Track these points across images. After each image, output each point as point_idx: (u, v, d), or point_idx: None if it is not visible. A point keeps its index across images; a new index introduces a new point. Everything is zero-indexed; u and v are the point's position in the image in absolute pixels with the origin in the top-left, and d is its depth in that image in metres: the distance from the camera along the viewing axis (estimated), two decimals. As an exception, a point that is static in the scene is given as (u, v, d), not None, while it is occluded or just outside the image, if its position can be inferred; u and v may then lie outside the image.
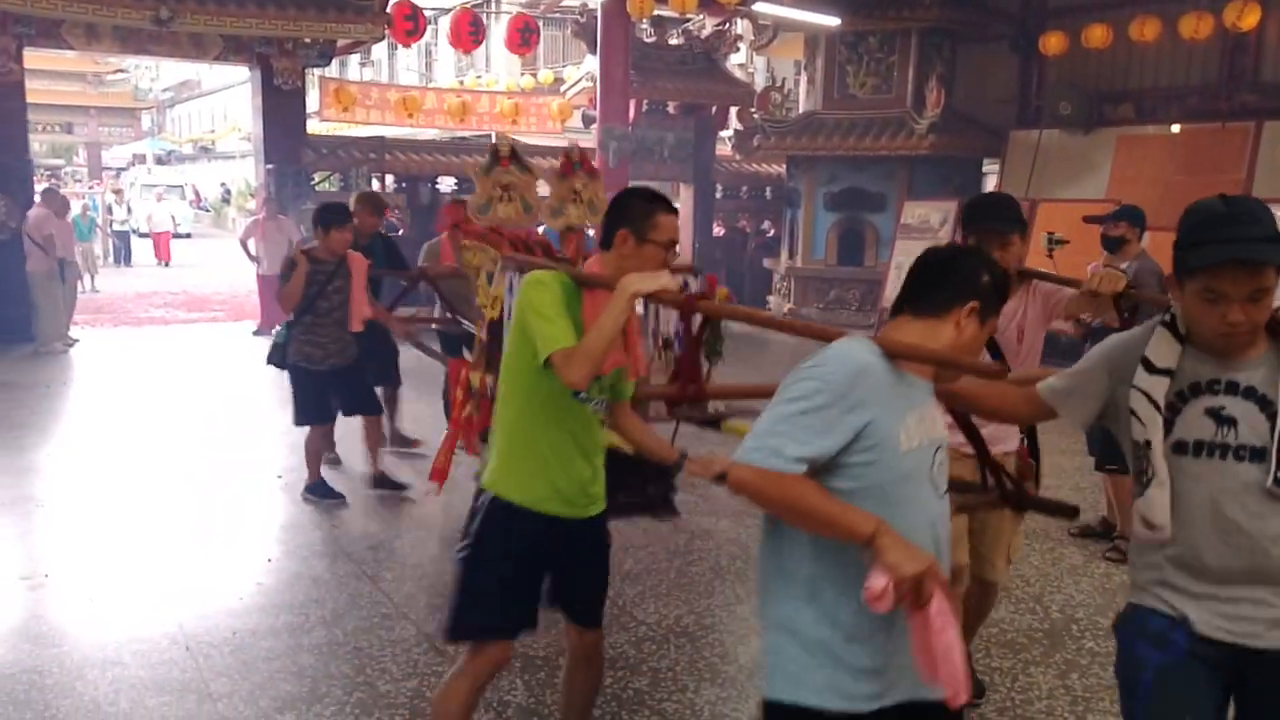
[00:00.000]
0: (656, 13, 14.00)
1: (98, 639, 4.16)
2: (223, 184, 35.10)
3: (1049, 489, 6.48)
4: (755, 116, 15.10)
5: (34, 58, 12.07)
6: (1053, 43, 12.93)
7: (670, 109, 16.23)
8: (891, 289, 13.04)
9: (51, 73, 31.30)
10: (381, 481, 6.18)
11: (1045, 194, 12.57)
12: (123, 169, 38.43)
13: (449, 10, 15.04)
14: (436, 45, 28.84)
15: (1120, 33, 12.18)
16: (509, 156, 5.11)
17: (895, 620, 1.96)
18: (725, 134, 17.77)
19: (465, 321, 5.65)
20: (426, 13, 14.39)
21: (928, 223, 12.97)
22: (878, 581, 1.87)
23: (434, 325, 6.55)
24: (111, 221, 23.38)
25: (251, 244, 12.21)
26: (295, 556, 5.16)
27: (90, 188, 29.08)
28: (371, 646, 4.14)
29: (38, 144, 37.12)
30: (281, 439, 7.53)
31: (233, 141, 35.85)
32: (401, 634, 4.27)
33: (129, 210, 24.30)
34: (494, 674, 2.95)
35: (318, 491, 6.00)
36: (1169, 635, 2.20)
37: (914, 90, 13.68)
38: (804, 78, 15.46)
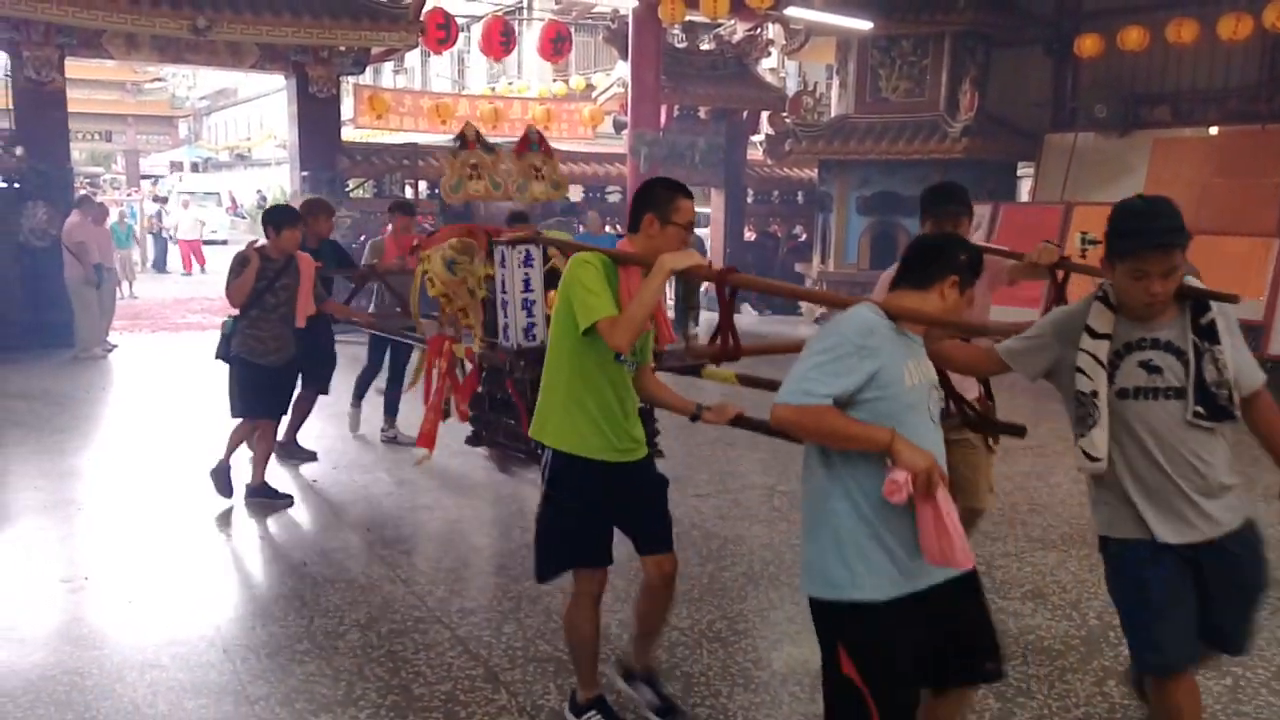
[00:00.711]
0: (688, 18, 14.04)
1: (137, 641, 4.21)
2: (258, 191, 35.42)
3: (1085, 493, 6.48)
4: (787, 121, 15.07)
5: (74, 67, 12.28)
6: (1088, 45, 12.81)
7: (701, 114, 16.23)
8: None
9: (91, 82, 31.66)
10: (289, 448, 6.82)
11: (1080, 197, 12.47)
12: (160, 176, 38.89)
13: (481, 18, 15.14)
14: (469, 52, 29.02)
15: (1157, 34, 12.05)
16: (475, 140, 5.90)
17: (908, 514, 2.49)
18: (756, 139, 17.74)
19: (409, 314, 6.04)
20: (459, 20, 14.52)
21: (961, 227, 12.85)
22: (898, 475, 2.41)
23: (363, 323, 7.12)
24: (161, 229, 23.65)
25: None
26: (329, 561, 5.19)
27: (128, 195, 29.44)
28: (405, 650, 4.16)
29: (77, 152, 37.52)
30: (315, 444, 7.61)
31: (269, 149, 36.20)
32: (435, 638, 4.28)
33: (163, 217, 24.55)
34: (600, 592, 3.42)
35: (260, 491, 6.10)
36: (1158, 555, 2.84)
37: (947, 94, 13.60)
38: (836, 82, 15.40)
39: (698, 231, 15.27)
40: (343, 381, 7.59)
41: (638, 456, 3.36)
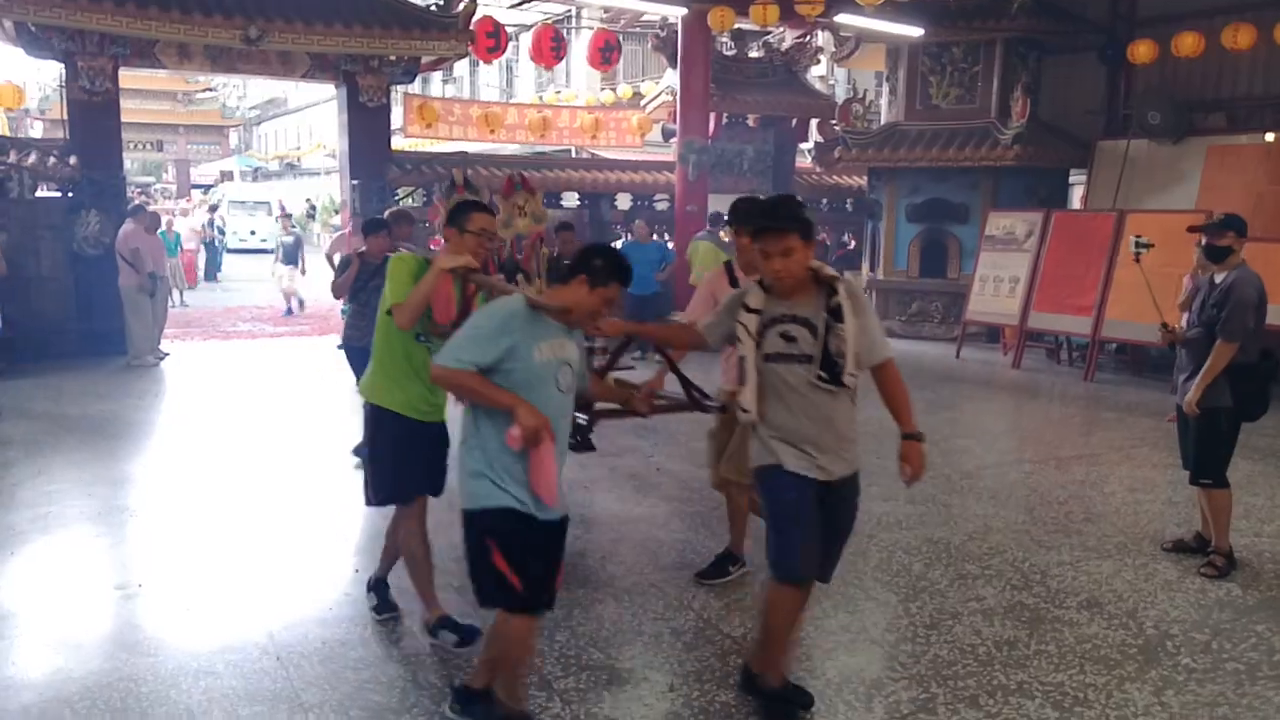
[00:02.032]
0: (737, 26, 14.00)
1: (191, 648, 4.23)
2: (308, 200, 35.89)
3: (1140, 502, 6.43)
4: (836, 128, 15.00)
5: (127, 77, 12.45)
6: (1142, 51, 12.63)
7: (750, 122, 16.17)
8: (976, 301, 12.82)
9: (143, 92, 32.35)
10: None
11: (1133, 204, 12.32)
12: (210, 185, 39.54)
13: (530, 27, 15.20)
14: (517, 61, 29.21)
15: (1212, 40, 11.86)
16: (462, 184, 6.55)
17: (524, 459, 3.23)
18: (805, 146, 17.65)
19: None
20: (508, 29, 14.58)
21: (1013, 234, 12.71)
22: (514, 430, 3.17)
23: None
24: (210, 237, 23.99)
25: (337, 258, 12.42)
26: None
27: (182, 204, 29.95)
28: (458, 657, 4.15)
29: (129, 161, 38.29)
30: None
31: (318, 158, 36.67)
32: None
33: (218, 226, 24.88)
34: (420, 515, 4.33)
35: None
36: (796, 481, 3.50)
37: (999, 100, 13.49)
38: (885, 89, 15.32)
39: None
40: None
41: (434, 419, 4.20)
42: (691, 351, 4.28)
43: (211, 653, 4.17)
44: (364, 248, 7.21)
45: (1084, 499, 6.59)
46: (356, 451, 6.97)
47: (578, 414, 4.57)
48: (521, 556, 3.29)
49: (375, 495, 4.33)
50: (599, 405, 4.60)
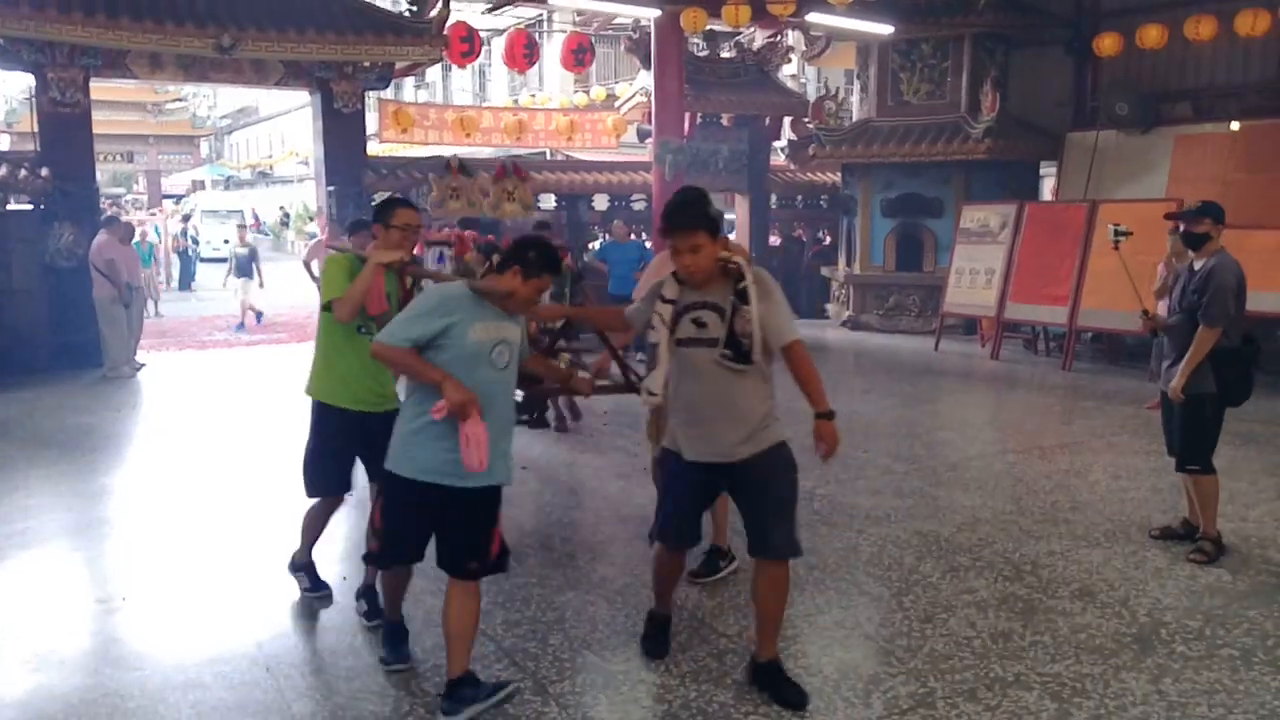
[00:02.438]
0: (709, 27, 14.01)
1: (178, 661, 4.16)
2: (281, 208, 35.65)
3: (1125, 490, 6.51)
4: (809, 126, 15.06)
5: (96, 89, 12.31)
6: (1107, 44, 12.75)
7: (724, 121, 16.20)
8: (953, 294, 12.90)
9: (113, 103, 32.05)
10: None
11: (1104, 194, 12.46)
12: (181, 196, 39.20)
13: (502, 31, 15.16)
14: (490, 65, 29.11)
15: (1176, 32, 12.00)
16: (457, 168, 7.72)
17: (451, 431, 3.49)
18: (779, 144, 17.69)
19: None
20: (481, 34, 14.52)
21: (987, 226, 12.80)
22: (440, 404, 3.45)
23: None
24: (186, 247, 23.78)
25: (314, 265, 12.35)
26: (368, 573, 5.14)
27: (152, 214, 29.68)
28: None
29: (100, 173, 38.00)
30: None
31: (290, 166, 36.42)
32: (480, 650, 4.21)
33: (194, 236, 24.69)
34: (331, 511, 4.71)
35: None
36: (690, 468, 3.82)
37: (968, 95, 13.58)
38: (857, 86, 15.39)
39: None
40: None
41: (381, 409, 4.33)
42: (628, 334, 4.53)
43: (199, 665, 4.10)
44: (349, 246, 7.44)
45: (1069, 488, 6.63)
46: None
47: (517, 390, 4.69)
48: (397, 520, 3.71)
49: (313, 488, 4.59)
50: (545, 383, 4.87)
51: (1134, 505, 6.25)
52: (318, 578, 4.82)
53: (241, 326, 15.59)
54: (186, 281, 23.24)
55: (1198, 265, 5.21)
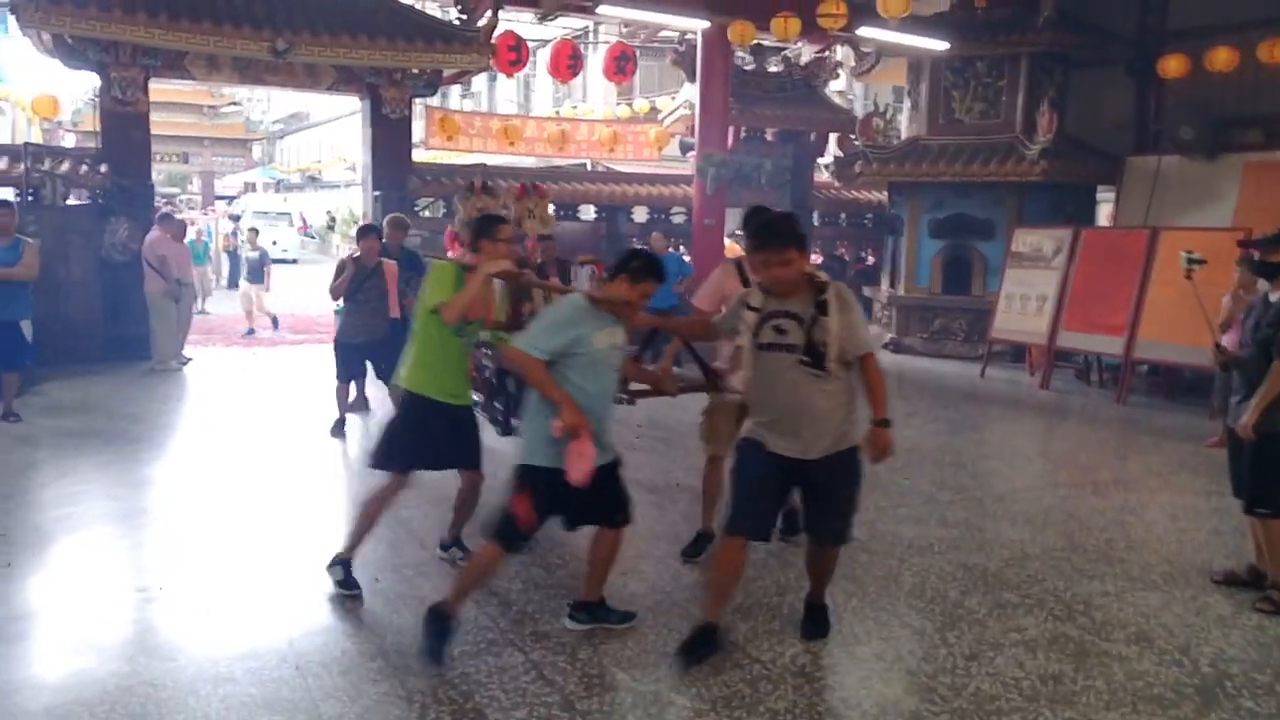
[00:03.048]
0: (756, 41, 13.94)
1: (210, 654, 4.15)
2: (328, 211, 36.01)
3: (1184, 531, 6.27)
4: (856, 143, 14.88)
5: (155, 90, 12.54)
6: (1172, 65, 12.44)
7: (768, 136, 16.10)
8: (1001, 319, 12.64)
9: (171, 105, 32.64)
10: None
11: (1165, 221, 12.04)
12: (234, 197, 39.75)
13: (548, 42, 15.20)
14: (535, 76, 29.27)
15: (1247, 54, 11.65)
16: (481, 188, 7.84)
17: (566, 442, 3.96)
18: (824, 161, 17.56)
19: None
20: (528, 44, 14.56)
21: (1040, 251, 12.50)
22: (555, 423, 3.94)
23: None
24: (235, 246, 24.01)
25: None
26: (401, 577, 5.10)
27: (206, 213, 30.12)
28: (479, 673, 4.05)
29: (156, 173, 38.63)
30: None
31: (338, 171, 36.82)
32: (509, 661, 4.16)
33: (237, 236, 24.91)
34: (401, 490, 4.91)
35: (337, 429, 8.17)
36: (765, 456, 4.14)
37: (1024, 115, 13.33)
38: (907, 104, 15.17)
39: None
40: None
41: (463, 403, 4.89)
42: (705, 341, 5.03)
43: (231, 659, 4.10)
44: (358, 252, 8.00)
45: (1124, 526, 6.36)
46: (334, 433, 8.14)
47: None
48: (546, 505, 4.12)
49: (384, 460, 4.85)
50: (634, 386, 5.21)
51: (1194, 548, 5.95)
52: (351, 576, 4.87)
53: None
54: (235, 279, 23.39)
55: (1273, 297, 4.96)
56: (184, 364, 11.56)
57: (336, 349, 8.26)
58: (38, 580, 4.97)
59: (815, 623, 4.51)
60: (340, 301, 8.17)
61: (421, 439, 4.79)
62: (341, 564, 4.88)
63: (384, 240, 8.54)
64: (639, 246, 14.10)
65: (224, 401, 9.85)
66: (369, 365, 8.34)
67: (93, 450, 7.59)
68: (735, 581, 4.35)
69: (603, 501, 4.25)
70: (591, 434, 3.99)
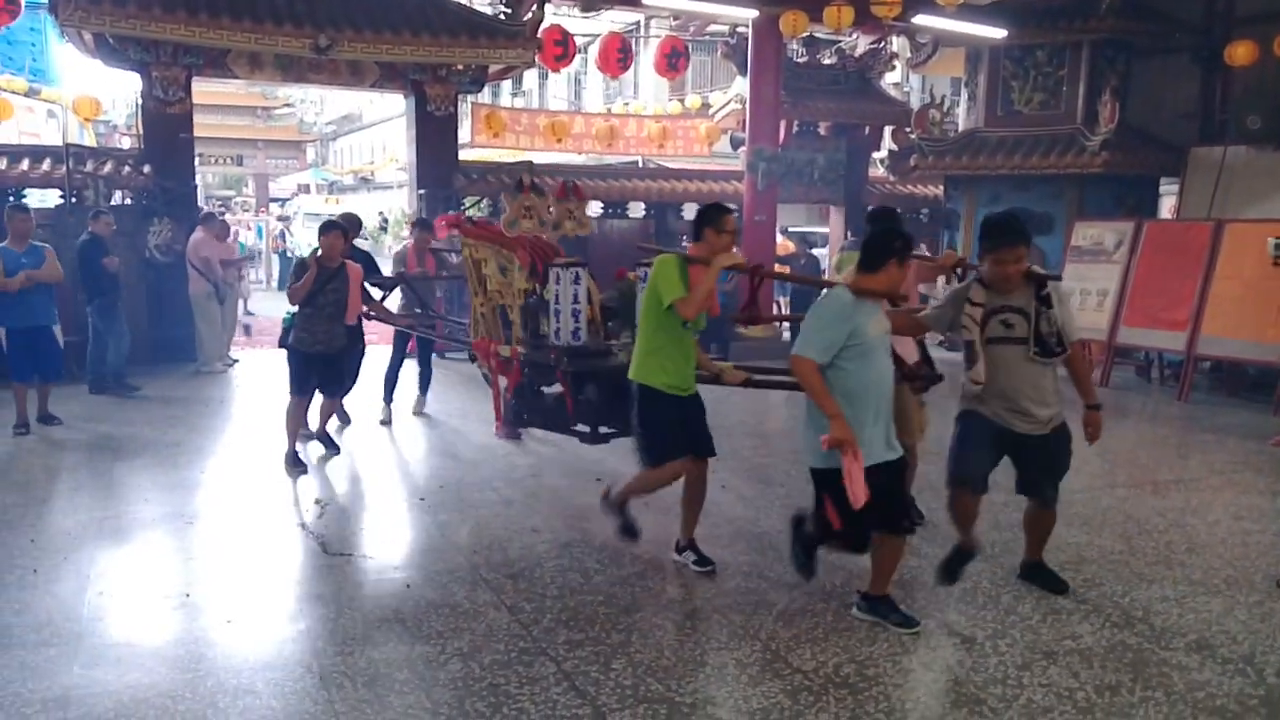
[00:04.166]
0: (809, 33, 13.64)
1: (231, 664, 4.05)
2: (380, 213, 36.25)
3: (1248, 533, 6.02)
4: (911, 136, 14.53)
5: (208, 93, 12.64)
6: (1240, 53, 11.93)
7: (821, 130, 15.78)
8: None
9: (224, 107, 32.97)
10: (321, 437, 7.67)
11: (1230, 213, 11.63)
12: (288, 199, 40.16)
13: (598, 36, 15.04)
14: (585, 73, 29.18)
15: (1318, 40, 11.15)
16: (529, 186, 7.37)
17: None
18: (878, 155, 17.20)
19: (432, 311, 8.12)
20: (577, 40, 14.41)
21: (1101, 244, 12.12)
22: (826, 436, 4.04)
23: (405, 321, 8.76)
24: (285, 248, 24.25)
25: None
26: (434, 583, 4.98)
27: (256, 215, 30.44)
28: (509, 684, 3.90)
29: (210, 175, 39.13)
30: (424, 462, 7.48)
31: (390, 172, 37.01)
32: (540, 671, 4.02)
33: (286, 237, 25.17)
34: (684, 471, 5.02)
35: (290, 460, 7.17)
36: (989, 424, 4.62)
37: (1085, 105, 12.90)
38: (964, 95, 14.79)
39: (815, 251, 14.85)
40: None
41: (691, 392, 5.01)
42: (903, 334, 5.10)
43: (253, 670, 3.99)
44: (320, 251, 7.14)
45: (1185, 528, 6.10)
46: (317, 436, 7.66)
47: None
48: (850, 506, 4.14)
49: (651, 457, 4.97)
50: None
51: (1259, 550, 5.70)
52: (703, 554, 5.18)
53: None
54: (284, 281, 23.61)
55: None
56: (230, 365, 11.59)
57: (291, 359, 7.26)
58: (61, 587, 4.88)
59: (1044, 577, 4.96)
60: (295, 307, 7.20)
61: (674, 423, 4.93)
62: (689, 547, 5.18)
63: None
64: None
65: (268, 404, 9.74)
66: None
67: (130, 454, 7.56)
68: (973, 520, 4.78)
69: (884, 503, 4.22)
70: (873, 426, 4.19)
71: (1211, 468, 7.76)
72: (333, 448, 7.65)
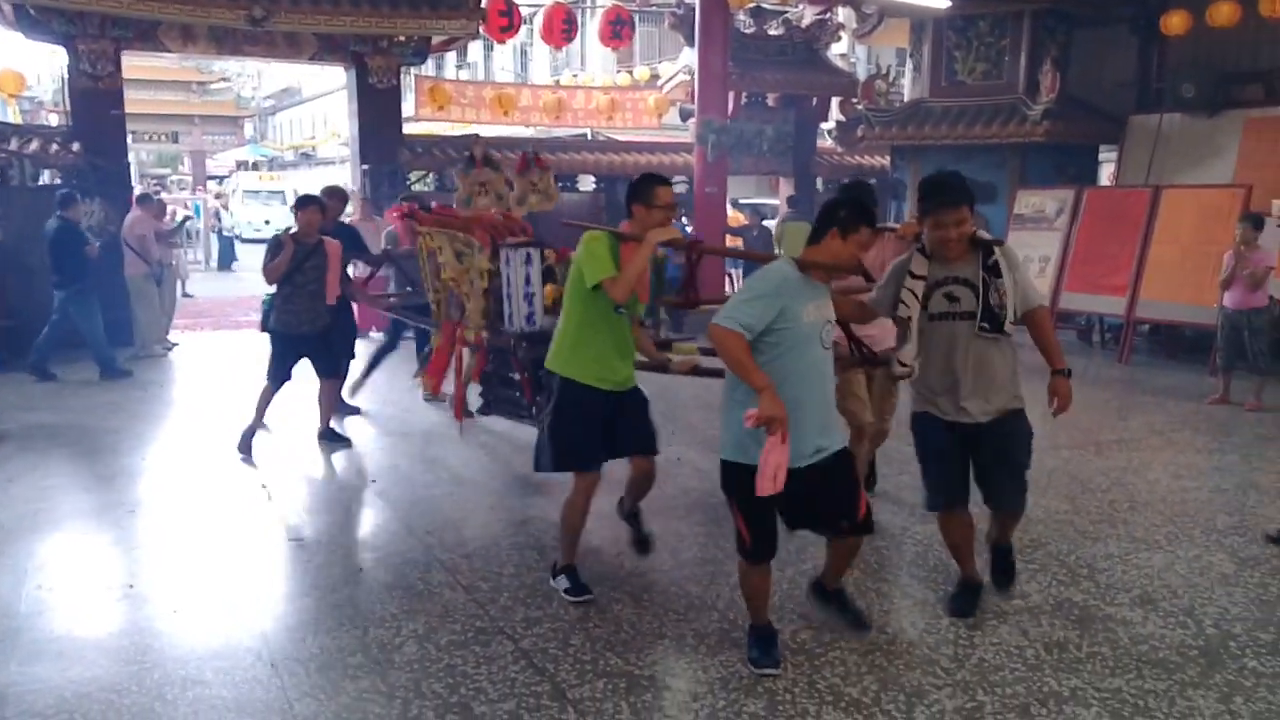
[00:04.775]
0: (756, 3, 13.59)
1: (179, 655, 3.96)
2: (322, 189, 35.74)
3: (1187, 490, 6.19)
4: (858, 107, 14.59)
5: (141, 68, 12.28)
6: (1175, 22, 12.13)
7: (770, 101, 15.79)
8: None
9: (157, 82, 32.24)
10: (327, 435, 7.26)
11: (1166, 180, 11.89)
12: (226, 176, 39.41)
13: (542, 6, 14.85)
14: (532, 45, 28.90)
15: (1249, 9, 11.34)
16: (482, 160, 6.99)
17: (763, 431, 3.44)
18: (826, 126, 17.26)
19: (424, 290, 6.97)
20: (522, 11, 14.23)
21: (1043, 212, 12.30)
22: (753, 411, 3.41)
23: (391, 300, 8.37)
24: (219, 227, 23.75)
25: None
26: (386, 565, 4.92)
27: (194, 193, 29.82)
28: (466, 664, 3.88)
29: (145, 153, 38.25)
30: (374, 444, 7.39)
31: (333, 147, 36.45)
32: (498, 650, 3.99)
33: (222, 216, 24.65)
34: (592, 490, 4.41)
35: (245, 443, 6.98)
36: (941, 427, 4.10)
37: (1026, 75, 13.05)
38: (909, 66, 14.87)
39: (768, 223, 14.87)
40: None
41: (627, 386, 4.43)
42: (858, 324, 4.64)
43: (201, 659, 3.91)
44: (294, 229, 6.92)
45: (1127, 486, 6.26)
46: (323, 436, 7.24)
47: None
48: (756, 510, 3.66)
49: (552, 462, 4.42)
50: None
51: (1196, 506, 5.88)
52: (580, 582, 4.51)
53: None
54: (227, 261, 23.12)
55: None
56: (169, 349, 11.33)
57: (274, 343, 6.97)
58: (-2, 580, 4.72)
59: (1007, 571, 4.46)
60: (272, 287, 6.94)
61: (593, 427, 4.33)
62: (564, 573, 4.51)
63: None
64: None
65: (209, 388, 9.57)
66: (308, 362, 7.13)
67: (68, 441, 7.36)
68: (971, 540, 4.32)
69: (828, 501, 3.75)
70: (802, 424, 3.54)
71: (1151, 428, 7.94)
72: (342, 441, 7.26)
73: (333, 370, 7.26)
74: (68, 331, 9.72)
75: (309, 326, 6.87)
